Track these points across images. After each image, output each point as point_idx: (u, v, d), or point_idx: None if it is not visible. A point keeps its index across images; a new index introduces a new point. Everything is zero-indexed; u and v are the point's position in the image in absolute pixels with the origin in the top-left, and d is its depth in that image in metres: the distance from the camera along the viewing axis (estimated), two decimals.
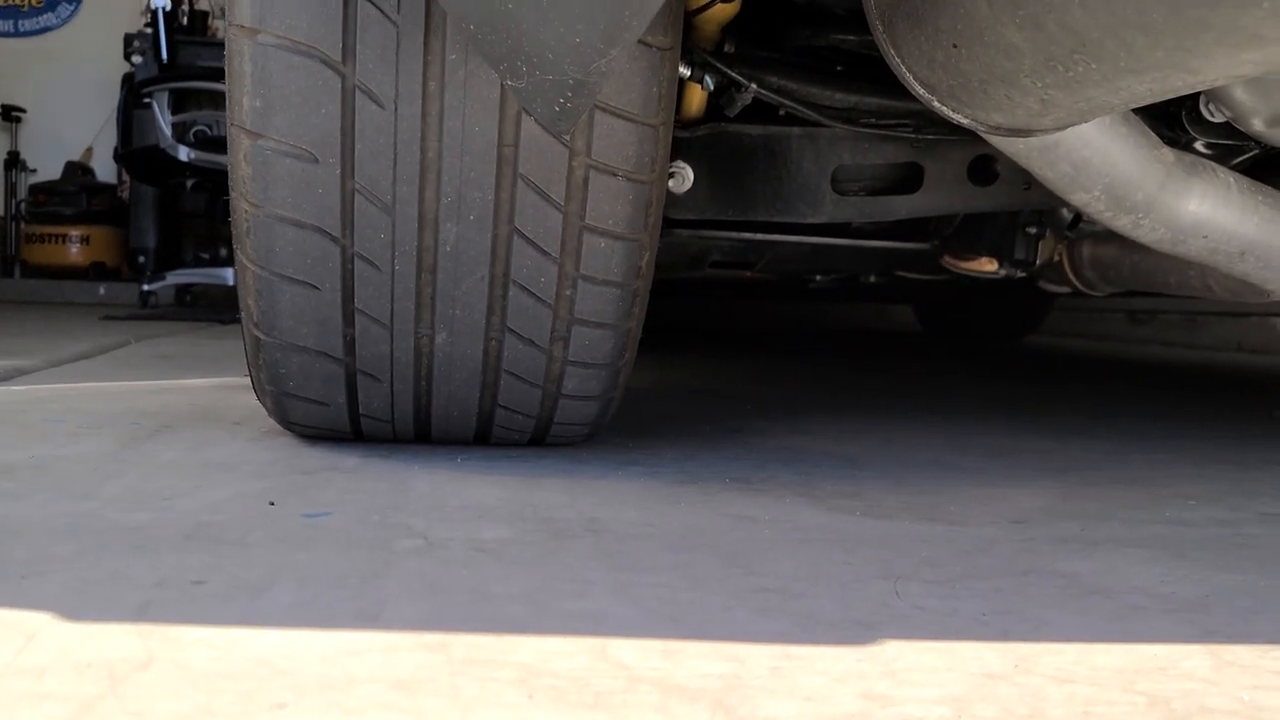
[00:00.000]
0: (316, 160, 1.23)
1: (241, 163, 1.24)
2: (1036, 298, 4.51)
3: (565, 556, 1.02)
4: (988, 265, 2.12)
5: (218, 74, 5.40)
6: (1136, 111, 1.34)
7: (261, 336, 1.35)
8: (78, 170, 7.72)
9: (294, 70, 1.20)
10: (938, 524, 1.21)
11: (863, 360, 3.84)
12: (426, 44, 1.21)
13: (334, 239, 1.27)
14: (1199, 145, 1.53)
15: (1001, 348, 4.73)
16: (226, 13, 1.23)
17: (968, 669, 0.77)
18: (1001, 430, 2.00)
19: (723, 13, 1.45)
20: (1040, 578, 1.00)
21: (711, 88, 1.56)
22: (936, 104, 1.17)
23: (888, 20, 1.13)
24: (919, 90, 1.17)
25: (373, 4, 1.19)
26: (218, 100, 5.85)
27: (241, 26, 1.20)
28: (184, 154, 5.74)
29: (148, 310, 5.88)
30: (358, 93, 1.21)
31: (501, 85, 1.22)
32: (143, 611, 0.82)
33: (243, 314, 1.36)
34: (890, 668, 0.77)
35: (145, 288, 6.24)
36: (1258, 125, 1.31)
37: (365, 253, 1.28)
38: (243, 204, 1.27)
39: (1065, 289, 2.31)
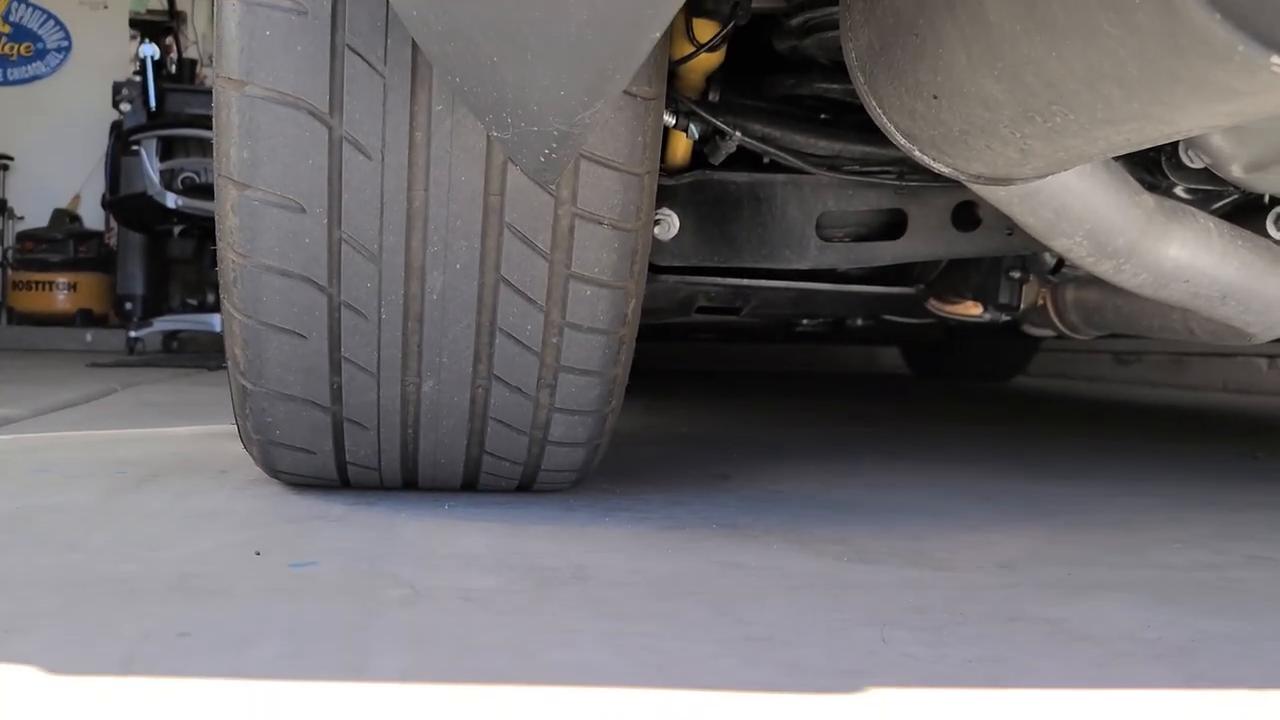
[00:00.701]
0: (304, 210, 1.24)
1: (229, 213, 1.25)
2: (1023, 339, 4.53)
3: (552, 605, 1.02)
4: (973, 309, 2.13)
5: (206, 121, 5.42)
6: (1117, 158, 1.36)
7: (248, 385, 1.35)
8: (65, 217, 7.72)
9: (281, 122, 1.21)
10: (925, 569, 1.21)
11: (850, 403, 3.85)
12: (413, 95, 1.22)
13: (321, 288, 1.28)
14: (1179, 190, 1.55)
15: (988, 389, 4.75)
16: (214, 65, 1.24)
17: (955, 717, 0.77)
18: (988, 474, 2.00)
19: (707, 62, 1.47)
20: (1027, 624, 1.01)
21: (696, 136, 1.58)
22: (918, 154, 1.18)
23: (869, 72, 1.15)
24: (900, 140, 1.18)
25: (359, 56, 1.20)
26: (205, 147, 5.87)
27: (229, 79, 1.21)
28: (172, 201, 5.75)
29: (134, 357, 5.87)
30: (345, 144, 1.22)
31: (487, 136, 1.23)
32: (128, 664, 0.81)
33: (229, 363, 1.37)
34: (878, 716, 0.77)
35: (132, 334, 6.23)
36: (1236, 171, 1.33)
37: (352, 302, 1.29)
38: (230, 254, 1.27)
39: (1050, 332, 2.32)
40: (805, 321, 3.26)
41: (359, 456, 1.44)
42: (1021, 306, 2.11)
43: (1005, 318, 2.15)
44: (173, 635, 0.89)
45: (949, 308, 2.17)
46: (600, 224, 1.29)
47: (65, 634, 0.89)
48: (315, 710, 0.74)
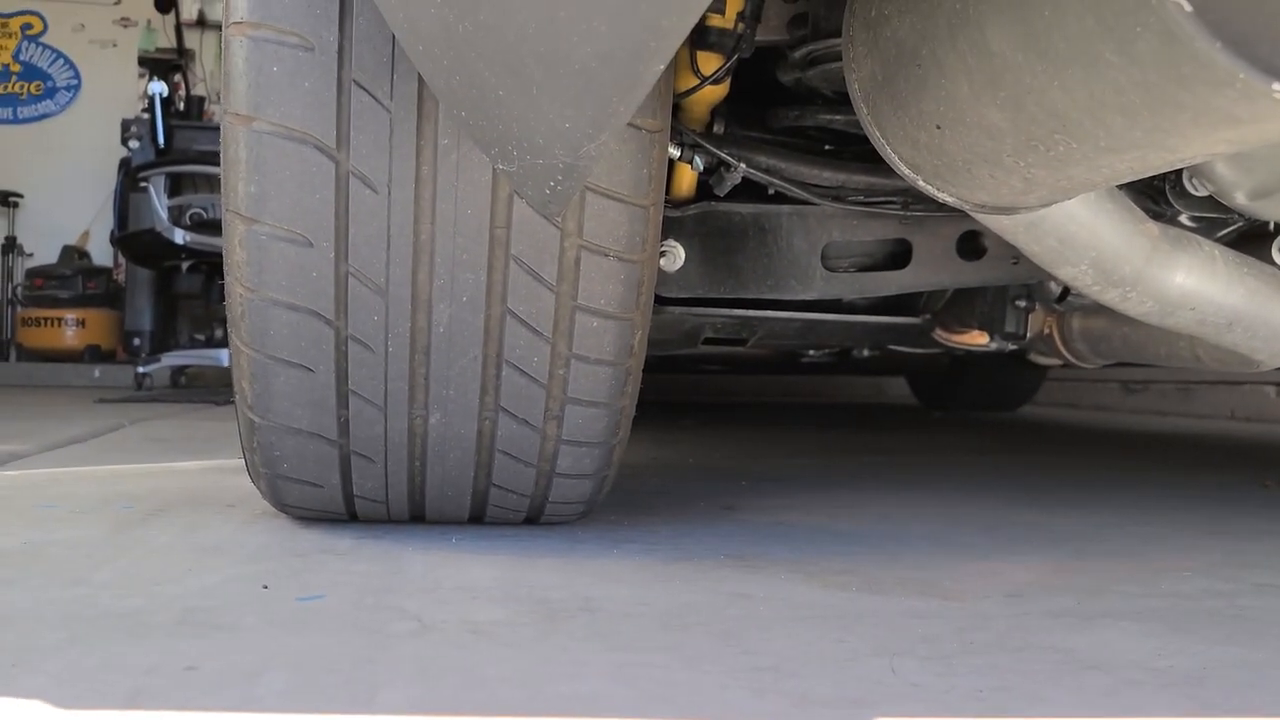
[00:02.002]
0: (311, 244, 1.24)
1: (237, 247, 1.26)
2: (1030, 369, 4.52)
3: (560, 637, 1.01)
4: (979, 338, 2.14)
5: (213, 158, 5.45)
6: (1121, 186, 1.36)
7: (256, 419, 1.35)
8: (74, 254, 7.76)
9: (289, 157, 1.22)
10: (933, 599, 1.21)
11: (857, 434, 3.84)
12: (419, 130, 1.23)
13: (328, 322, 1.28)
14: (1184, 218, 1.55)
15: (996, 419, 4.74)
16: (222, 101, 1.25)
17: None
18: (995, 503, 2.00)
19: (711, 95, 1.48)
20: (1036, 653, 1.00)
21: (701, 168, 1.58)
22: (922, 183, 1.19)
23: (872, 102, 1.15)
24: (904, 170, 1.19)
25: (366, 91, 1.21)
26: (213, 184, 5.90)
27: (237, 114, 1.22)
28: (180, 237, 5.78)
29: (143, 392, 5.88)
30: (352, 178, 1.23)
31: (493, 169, 1.24)
32: (133, 699, 0.81)
33: (237, 397, 1.37)
34: None
35: (140, 370, 6.25)
36: (1240, 199, 1.33)
37: (359, 335, 1.29)
38: (238, 288, 1.28)
39: (1056, 361, 2.32)
40: (812, 352, 3.27)
41: (366, 489, 1.44)
42: (1028, 335, 2.11)
43: (1011, 347, 2.16)
44: (179, 669, 0.89)
45: (955, 337, 2.17)
46: (606, 256, 1.30)
47: (72, 668, 0.89)
48: None
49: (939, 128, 1.04)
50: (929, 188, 1.18)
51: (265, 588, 1.17)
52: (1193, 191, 1.43)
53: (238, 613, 1.07)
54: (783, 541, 1.54)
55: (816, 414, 4.99)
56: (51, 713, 0.78)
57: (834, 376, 6.24)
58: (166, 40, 7.83)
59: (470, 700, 0.83)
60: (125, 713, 0.78)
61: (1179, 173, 1.45)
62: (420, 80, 1.21)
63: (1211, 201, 1.42)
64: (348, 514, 1.51)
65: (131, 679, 0.86)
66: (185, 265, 6.43)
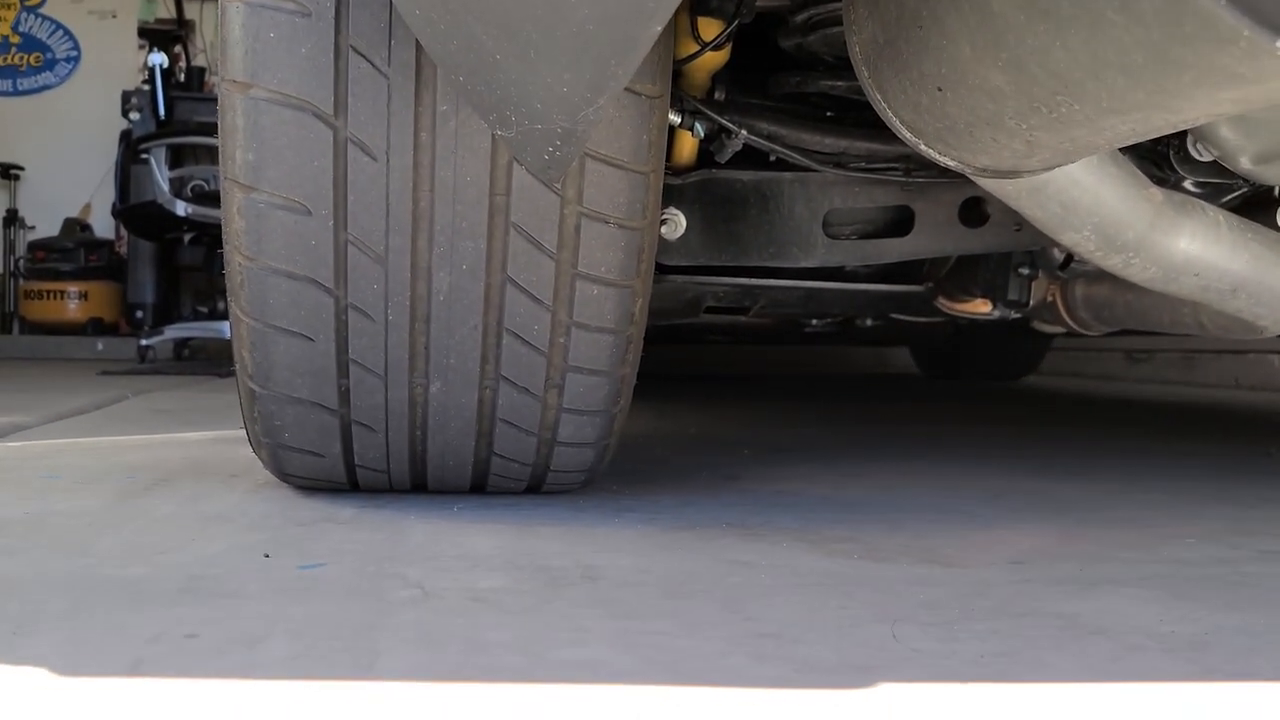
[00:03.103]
0: (309, 212, 1.24)
1: (235, 216, 1.25)
2: (1034, 338, 4.51)
3: (561, 605, 1.01)
4: (981, 307, 2.13)
5: (214, 129, 5.42)
6: (1124, 151, 1.35)
7: (256, 389, 1.35)
8: (76, 227, 7.75)
9: (286, 124, 1.21)
10: (935, 566, 1.21)
11: (860, 404, 3.84)
12: (417, 96, 1.22)
13: (328, 290, 1.28)
14: (1188, 184, 1.54)
15: (999, 389, 4.73)
16: (219, 68, 1.24)
17: (967, 711, 0.77)
18: (999, 472, 2.00)
19: (711, 61, 1.47)
20: (1038, 619, 1.00)
21: (702, 135, 1.57)
22: (923, 147, 1.18)
23: (873, 66, 1.14)
24: (906, 134, 1.18)
25: (364, 58, 1.20)
26: (214, 155, 5.86)
27: (234, 81, 1.21)
28: (181, 208, 5.76)
29: (145, 365, 5.88)
30: (350, 145, 1.22)
31: (492, 135, 1.23)
32: (136, 666, 0.81)
33: (237, 366, 1.37)
34: (888, 711, 0.76)
35: (143, 342, 6.25)
36: (1245, 163, 1.32)
37: (359, 303, 1.29)
38: (236, 257, 1.27)
39: (1060, 329, 2.31)
40: (814, 322, 3.26)
41: (368, 459, 1.44)
42: (1031, 303, 2.11)
43: (1014, 315, 2.15)
44: (181, 636, 0.89)
45: (958, 305, 2.16)
46: (606, 223, 1.29)
47: (74, 636, 0.89)
48: (324, 710, 0.74)
49: (940, 90, 1.03)
50: (931, 151, 1.17)
51: (267, 556, 1.18)
52: (1197, 156, 1.42)
53: (240, 581, 1.07)
54: (785, 510, 1.54)
55: (819, 384, 4.99)
56: (53, 680, 0.78)
57: (837, 347, 6.23)
58: (166, 11, 7.80)
59: (471, 666, 0.83)
60: (127, 680, 0.79)
61: (1183, 137, 1.44)
62: (418, 46, 1.20)
63: (1216, 166, 1.41)
64: (349, 483, 1.51)
65: (133, 647, 0.86)
66: (187, 237, 6.42)
